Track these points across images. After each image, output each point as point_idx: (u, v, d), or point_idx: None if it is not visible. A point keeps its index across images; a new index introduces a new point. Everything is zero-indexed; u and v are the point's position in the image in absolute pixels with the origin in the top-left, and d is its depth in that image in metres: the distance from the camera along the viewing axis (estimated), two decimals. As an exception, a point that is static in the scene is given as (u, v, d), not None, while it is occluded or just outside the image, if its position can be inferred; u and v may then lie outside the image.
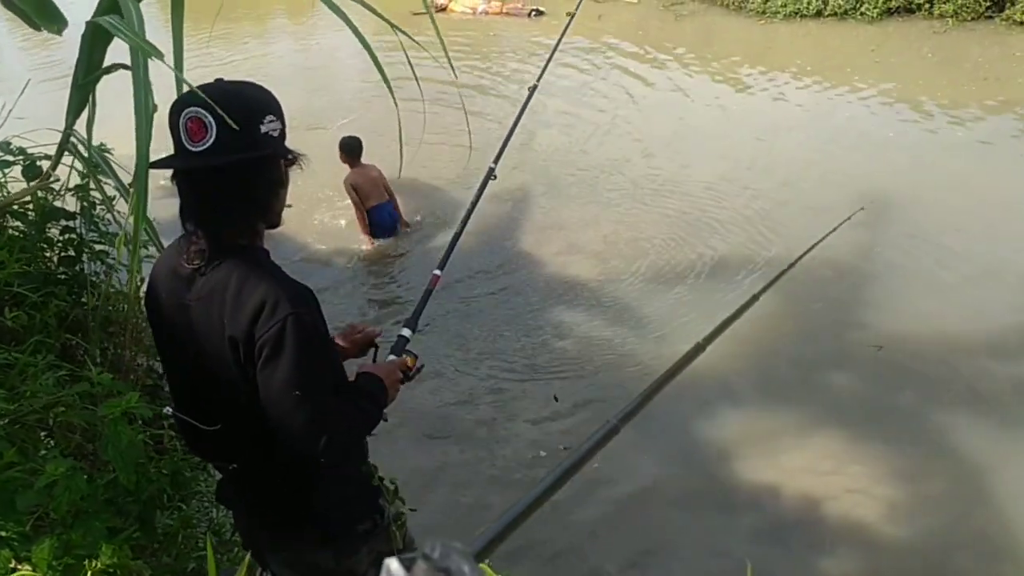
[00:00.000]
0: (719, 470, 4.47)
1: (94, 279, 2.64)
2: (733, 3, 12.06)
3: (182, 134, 1.60)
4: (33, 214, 2.42)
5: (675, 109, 9.11)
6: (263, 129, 1.62)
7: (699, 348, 1.82)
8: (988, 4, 10.61)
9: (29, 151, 2.43)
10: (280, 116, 1.66)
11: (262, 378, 1.64)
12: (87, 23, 1.97)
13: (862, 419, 4.74)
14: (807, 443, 4.62)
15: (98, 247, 2.56)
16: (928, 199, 6.73)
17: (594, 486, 4.36)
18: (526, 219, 7.06)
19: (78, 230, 2.53)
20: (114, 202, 2.61)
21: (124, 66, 1.92)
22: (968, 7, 10.65)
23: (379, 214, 6.65)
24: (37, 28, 3.07)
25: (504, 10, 12.90)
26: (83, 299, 2.59)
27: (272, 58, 12.34)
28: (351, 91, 10.33)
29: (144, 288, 2.40)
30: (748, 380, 5.14)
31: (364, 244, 6.62)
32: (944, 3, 10.81)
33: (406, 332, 2.29)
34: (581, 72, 10.37)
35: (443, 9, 13.38)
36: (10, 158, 2.37)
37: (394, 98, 2.49)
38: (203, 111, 1.57)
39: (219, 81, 1.67)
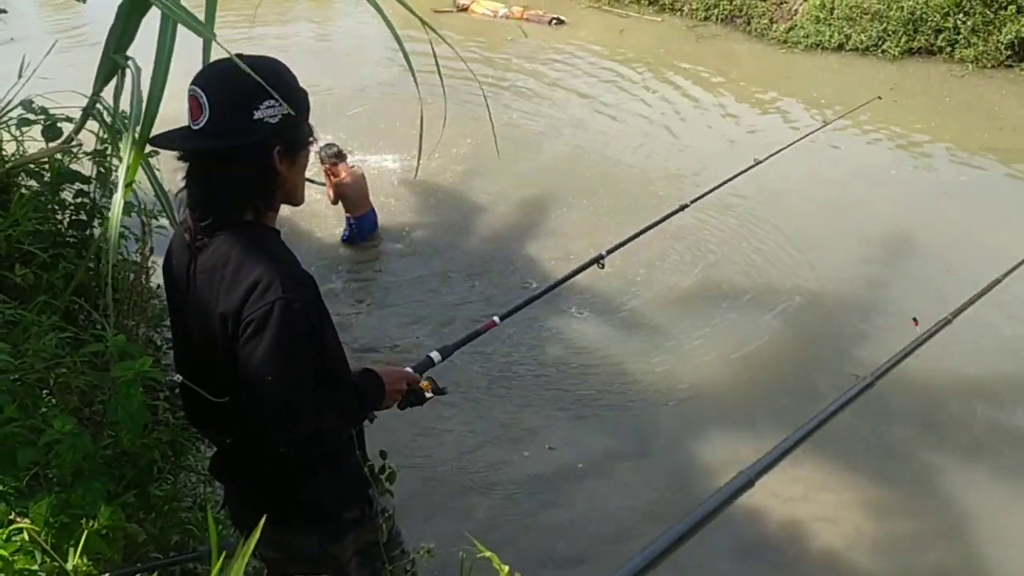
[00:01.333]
0: (702, 491, 4.50)
1: (103, 245, 2.65)
2: (756, 30, 12.09)
3: (188, 111, 1.61)
4: (49, 175, 2.43)
5: (693, 128, 9.16)
6: (257, 115, 1.59)
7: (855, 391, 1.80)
8: (1009, 53, 10.64)
9: (51, 112, 2.45)
10: (290, 99, 1.61)
11: (242, 357, 1.63)
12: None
13: (846, 451, 4.77)
14: (792, 472, 4.64)
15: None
16: (923, 239, 6.79)
17: (567, 493, 4.40)
18: (536, 228, 7.09)
19: (92, 194, 2.54)
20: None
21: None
22: (989, 54, 10.68)
23: (366, 221, 6.56)
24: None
25: (525, 16, 12.94)
26: (90, 263, 2.60)
27: (291, 40, 12.36)
28: (365, 80, 10.38)
29: (153, 257, 2.40)
30: (739, 408, 5.17)
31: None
32: (965, 48, 10.83)
33: (435, 356, 2.26)
34: (602, 83, 10.44)
35: (465, 9, 13.42)
36: (31, 116, 2.38)
37: (420, 96, 2.47)
38: (200, 91, 1.57)
39: (237, 56, 1.61)
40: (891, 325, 5.71)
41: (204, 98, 1.56)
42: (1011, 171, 8.12)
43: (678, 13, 12.89)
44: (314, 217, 6.85)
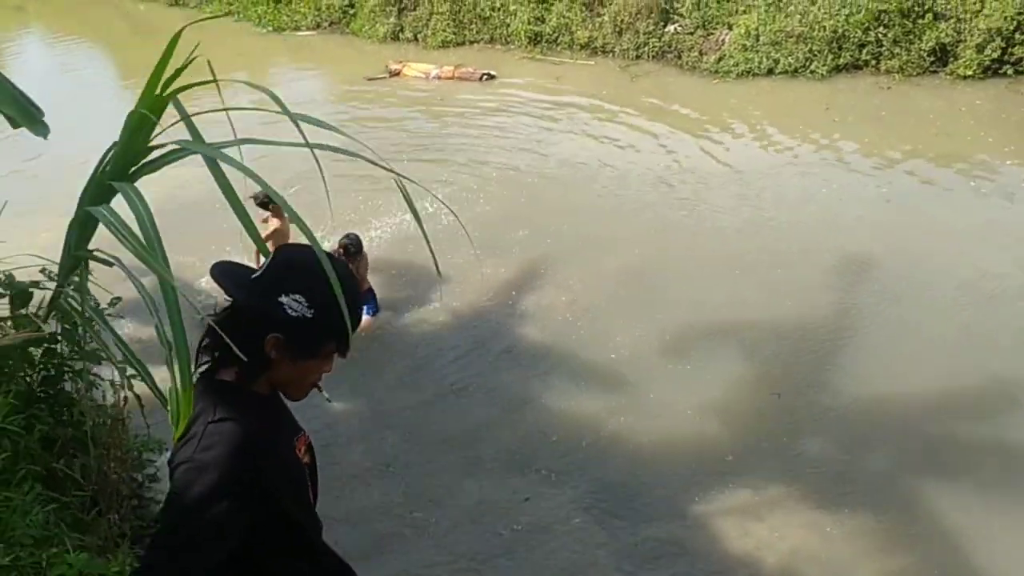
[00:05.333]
0: (702, 550, 4.47)
1: (74, 396, 2.56)
2: (687, 63, 12.34)
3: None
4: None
5: (635, 166, 9.31)
6: (282, 299, 1.64)
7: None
8: (932, 59, 10.98)
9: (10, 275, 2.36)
10: (314, 306, 1.65)
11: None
12: (81, 210, 1.86)
13: (831, 481, 4.84)
14: (783, 514, 4.65)
15: (77, 366, 2.48)
16: (883, 258, 6.93)
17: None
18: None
19: (59, 350, 2.45)
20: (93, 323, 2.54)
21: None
22: (913, 62, 11.01)
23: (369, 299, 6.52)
24: (16, 127, 3.02)
25: (456, 74, 13.10)
26: (64, 417, 2.50)
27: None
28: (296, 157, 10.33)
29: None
30: (721, 440, 5.20)
31: None
32: (890, 59, 11.16)
33: None
34: (544, 131, 10.58)
35: (397, 74, 13.53)
36: None
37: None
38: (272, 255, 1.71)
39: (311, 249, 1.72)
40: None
41: (270, 260, 1.70)
42: (955, 175, 8.34)
43: (610, 55, 13.11)
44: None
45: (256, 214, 6.41)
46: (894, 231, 7.33)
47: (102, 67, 16.53)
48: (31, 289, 2.29)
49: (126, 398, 2.36)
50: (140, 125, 1.64)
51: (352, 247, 6.13)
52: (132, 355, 2.07)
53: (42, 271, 2.40)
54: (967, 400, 5.36)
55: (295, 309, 1.63)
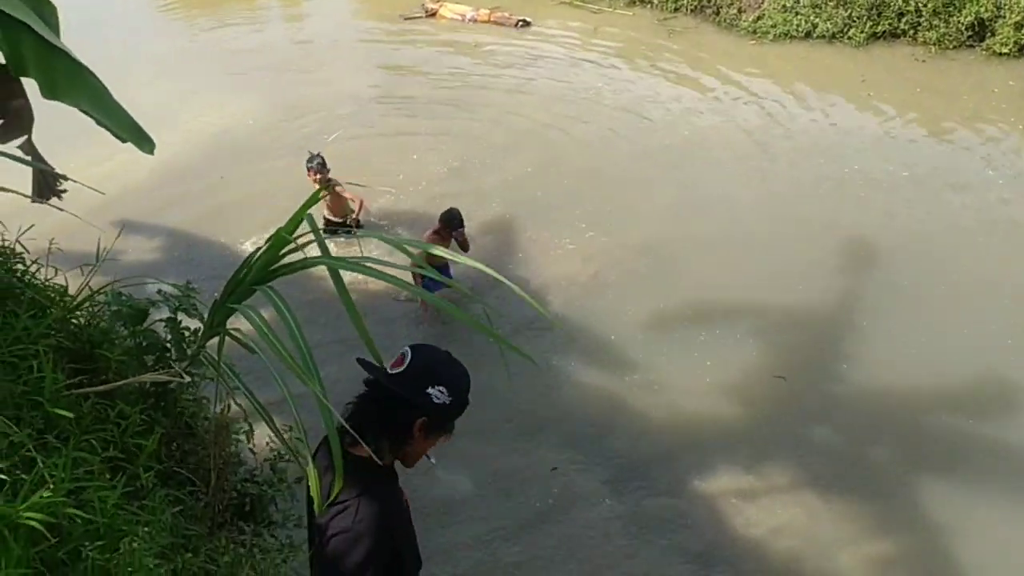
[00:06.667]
0: (703, 522, 4.89)
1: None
2: (724, 21, 12.34)
3: (393, 360, 2.10)
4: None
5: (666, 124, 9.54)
6: (430, 391, 2.06)
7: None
8: (970, 34, 10.98)
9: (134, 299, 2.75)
10: (452, 395, 2.08)
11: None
12: (226, 305, 2.22)
13: (843, 474, 5.16)
14: (790, 498, 5.05)
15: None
16: (900, 245, 7.15)
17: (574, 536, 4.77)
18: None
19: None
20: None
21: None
22: (951, 35, 11.02)
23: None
24: (124, 141, 3.37)
25: (492, 18, 13.14)
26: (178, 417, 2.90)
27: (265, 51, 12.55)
28: (343, 95, 10.55)
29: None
30: (725, 420, 5.56)
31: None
32: (928, 30, 11.16)
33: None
34: (574, 87, 10.75)
35: (433, 15, 13.58)
36: (121, 307, 2.67)
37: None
38: (410, 352, 2.09)
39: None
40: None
41: (409, 358, 2.07)
42: (981, 163, 8.50)
43: (648, 5, 13.11)
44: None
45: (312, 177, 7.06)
46: (913, 217, 7.55)
47: None
48: (146, 308, 2.67)
49: (229, 405, 2.74)
50: (281, 244, 2.00)
51: (455, 220, 6.41)
52: (259, 404, 2.45)
53: (159, 292, 2.78)
54: (969, 397, 5.63)
55: (439, 398, 2.06)
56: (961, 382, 5.74)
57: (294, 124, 9.87)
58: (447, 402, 2.08)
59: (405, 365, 2.08)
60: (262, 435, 3.22)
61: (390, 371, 2.09)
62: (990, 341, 6.01)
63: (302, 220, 1.99)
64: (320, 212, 7.47)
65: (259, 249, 2.13)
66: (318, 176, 7.10)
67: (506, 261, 7.11)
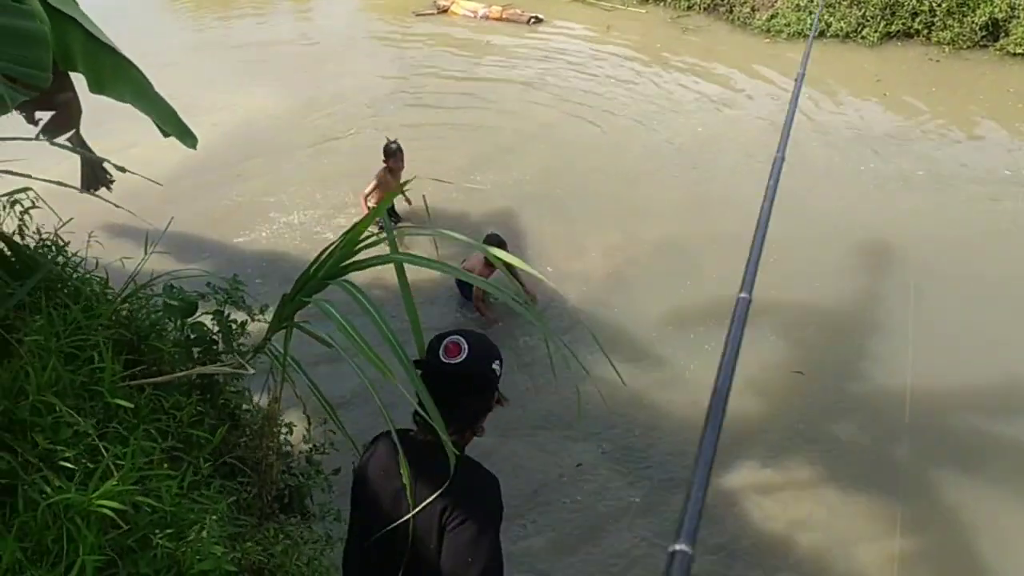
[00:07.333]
0: (722, 515, 4.90)
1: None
2: (738, 19, 12.36)
3: (440, 352, 2.14)
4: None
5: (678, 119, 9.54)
6: (493, 366, 2.19)
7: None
8: (984, 34, 11.00)
9: (188, 293, 2.78)
10: (501, 367, 2.22)
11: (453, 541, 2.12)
12: (299, 298, 2.27)
13: (862, 472, 5.18)
14: (809, 493, 5.08)
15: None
16: (915, 245, 7.14)
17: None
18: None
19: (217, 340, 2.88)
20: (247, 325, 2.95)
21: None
22: (964, 35, 11.04)
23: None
24: (166, 135, 3.40)
25: (504, 16, 13.16)
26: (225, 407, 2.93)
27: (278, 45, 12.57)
28: (357, 88, 10.59)
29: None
30: (755, 427, 5.56)
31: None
32: (942, 30, 11.18)
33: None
34: (586, 88, 10.77)
35: (445, 11, 13.62)
36: (174, 302, 2.70)
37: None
38: (462, 339, 2.16)
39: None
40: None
41: (466, 344, 2.16)
42: (996, 164, 8.51)
43: (661, 3, 13.13)
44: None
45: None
46: (932, 215, 7.56)
47: None
48: (196, 301, 2.70)
49: (276, 397, 2.77)
50: (356, 239, 2.04)
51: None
52: (324, 399, 2.48)
53: (208, 285, 2.81)
54: (992, 396, 5.63)
55: (498, 371, 2.21)
56: (984, 381, 5.73)
57: (308, 120, 9.90)
58: (500, 373, 2.22)
59: (467, 350, 2.16)
60: (297, 428, 3.28)
61: (454, 360, 2.15)
62: (1013, 339, 6.01)
63: (378, 216, 2.02)
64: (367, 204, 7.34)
65: (332, 244, 2.16)
66: (391, 163, 7.08)
67: (524, 257, 7.12)
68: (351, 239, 2.06)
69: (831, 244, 7.19)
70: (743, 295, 0.86)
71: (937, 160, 8.57)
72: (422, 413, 2.06)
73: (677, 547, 0.70)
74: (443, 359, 2.15)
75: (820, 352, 6.13)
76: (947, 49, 11.07)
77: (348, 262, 2.10)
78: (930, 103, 9.86)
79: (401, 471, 2.07)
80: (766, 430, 5.47)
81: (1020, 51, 10.64)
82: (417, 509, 2.08)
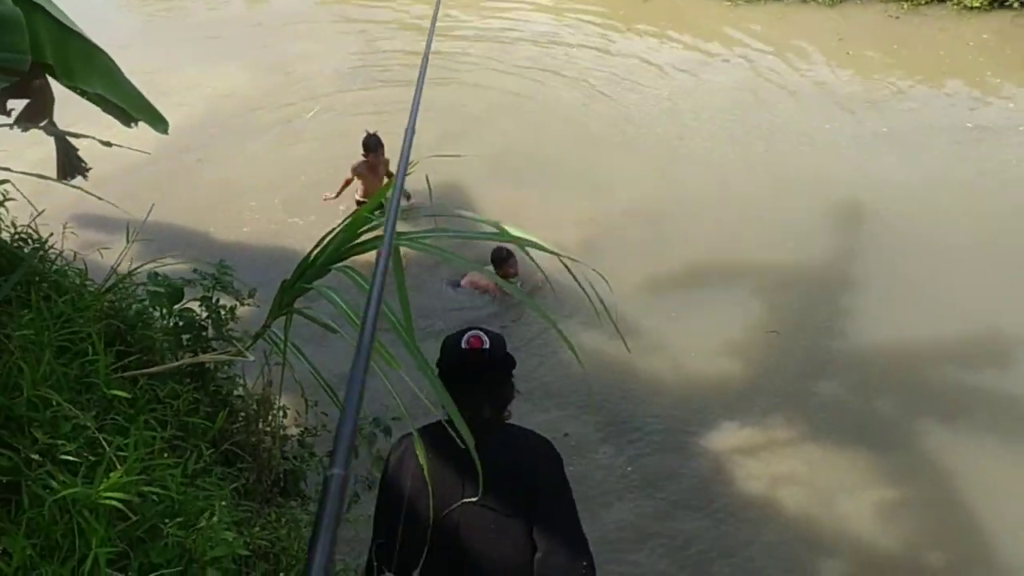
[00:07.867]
0: (707, 476, 4.97)
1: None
2: (699, -18, 12.34)
3: (464, 345, 2.29)
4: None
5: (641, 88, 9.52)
6: (508, 351, 2.39)
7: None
8: (940, -12, 11.09)
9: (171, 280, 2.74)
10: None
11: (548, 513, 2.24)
12: (299, 285, 2.26)
13: (843, 427, 5.26)
14: (791, 450, 5.16)
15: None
16: (885, 203, 7.20)
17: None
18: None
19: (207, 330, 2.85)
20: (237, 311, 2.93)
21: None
22: (922, -9, 11.13)
23: None
24: (128, 125, 3.34)
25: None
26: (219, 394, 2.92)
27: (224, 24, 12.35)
28: (313, 72, 10.44)
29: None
30: (736, 389, 5.61)
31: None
32: (899, -14, 11.27)
33: None
34: (547, 56, 10.71)
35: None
36: (159, 288, 2.66)
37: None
38: (481, 332, 2.31)
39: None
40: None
41: (486, 335, 2.31)
42: (958, 116, 8.63)
43: (621, -32, 13.05)
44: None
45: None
46: (900, 173, 7.64)
47: None
48: (182, 287, 2.68)
49: (271, 381, 2.76)
50: (358, 224, 2.02)
51: (502, 260, 6.34)
52: (326, 383, 2.48)
53: (194, 271, 2.78)
54: (967, 350, 5.70)
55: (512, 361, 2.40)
56: (959, 336, 5.80)
57: (269, 101, 9.74)
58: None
59: (490, 340, 2.31)
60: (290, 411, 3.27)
61: (481, 348, 2.29)
62: (984, 288, 6.11)
63: (379, 203, 2.01)
64: (353, 194, 7.22)
65: (332, 231, 2.15)
66: (371, 157, 6.88)
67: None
68: (352, 224, 2.05)
69: (802, 203, 7.25)
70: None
71: (903, 116, 8.66)
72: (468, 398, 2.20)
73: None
74: (469, 350, 2.28)
75: (796, 311, 6.19)
76: (906, 6, 11.16)
77: (348, 246, 2.09)
78: (892, 59, 9.96)
79: (470, 450, 2.05)
80: (745, 390, 5.53)
81: (977, 5, 10.75)
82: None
